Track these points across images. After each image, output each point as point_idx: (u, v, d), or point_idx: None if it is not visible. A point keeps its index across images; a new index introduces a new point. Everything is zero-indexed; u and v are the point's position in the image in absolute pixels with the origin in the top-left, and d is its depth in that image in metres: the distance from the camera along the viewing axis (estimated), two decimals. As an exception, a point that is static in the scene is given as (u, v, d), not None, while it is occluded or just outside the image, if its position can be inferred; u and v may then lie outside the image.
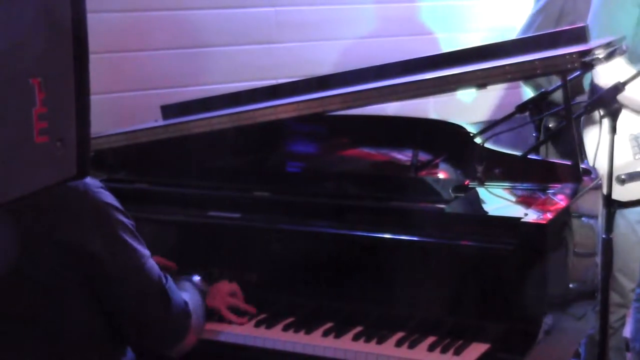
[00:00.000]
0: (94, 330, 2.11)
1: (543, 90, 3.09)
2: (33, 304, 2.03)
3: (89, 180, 2.06)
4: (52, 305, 2.04)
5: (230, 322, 2.55)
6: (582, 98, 3.51)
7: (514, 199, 2.80)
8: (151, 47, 3.98)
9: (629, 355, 4.00)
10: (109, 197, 2.10)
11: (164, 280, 2.17)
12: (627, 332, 4.19)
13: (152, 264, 2.16)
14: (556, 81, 3.26)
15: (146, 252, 2.15)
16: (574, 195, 2.67)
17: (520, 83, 4.71)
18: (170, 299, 2.17)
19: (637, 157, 3.39)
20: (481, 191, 2.77)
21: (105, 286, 2.08)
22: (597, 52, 2.78)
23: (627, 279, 3.40)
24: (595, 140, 3.28)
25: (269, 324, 2.56)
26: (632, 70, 3.21)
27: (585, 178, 2.82)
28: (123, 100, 3.87)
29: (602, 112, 2.86)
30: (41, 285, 2.02)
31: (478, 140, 2.95)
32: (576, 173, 2.78)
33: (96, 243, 2.03)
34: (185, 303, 2.24)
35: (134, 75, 3.93)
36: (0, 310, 2.03)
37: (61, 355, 2.07)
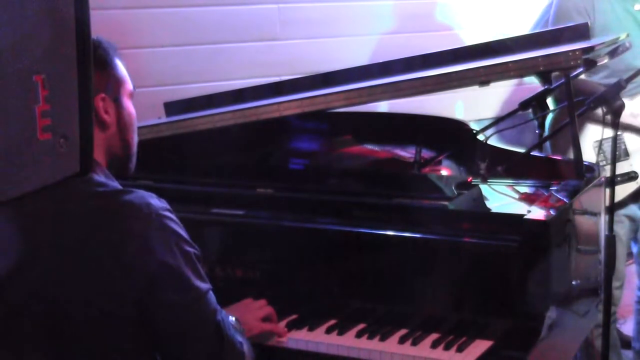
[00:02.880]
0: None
1: (546, 87, 3.09)
2: (82, 327, 1.96)
3: (155, 201, 2.00)
4: (100, 329, 1.97)
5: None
6: None
7: (517, 195, 2.80)
8: (154, 44, 3.98)
9: (629, 353, 4.01)
10: (174, 223, 2.01)
11: (220, 317, 2.06)
12: (626, 330, 4.21)
13: (209, 299, 2.05)
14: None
15: (205, 285, 2.04)
16: (576, 192, 2.67)
17: (524, 80, 4.71)
18: (226, 337, 2.07)
19: (602, 164, 3.42)
20: (484, 188, 2.78)
21: (158, 317, 1.98)
22: (599, 49, 2.79)
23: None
24: (597, 137, 3.30)
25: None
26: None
27: (588, 175, 2.82)
28: (126, 97, 3.87)
29: (604, 109, 2.86)
30: (92, 307, 1.95)
31: (481, 137, 2.96)
32: (579, 170, 2.78)
33: (154, 269, 1.94)
34: (241, 343, 2.14)
35: (137, 72, 3.90)
36: (35, 321, 1.98)
37: None
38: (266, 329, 2.47)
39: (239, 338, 2.15)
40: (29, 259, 1.94)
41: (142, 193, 2.01)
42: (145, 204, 1.98)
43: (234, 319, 2.34)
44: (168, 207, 2.04)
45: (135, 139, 2.16)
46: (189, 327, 2.02)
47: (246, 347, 2.17)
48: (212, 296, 2.06)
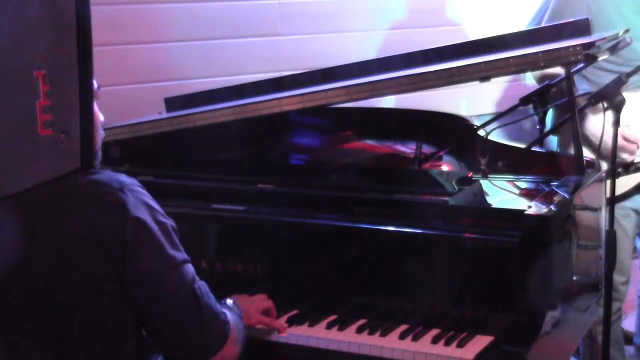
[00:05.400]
0: (120, 334, 2.06)
1: (547, 82, 3.09)
2: (66, 306, 2.00)
3: (125, 178, 2.03)
4: (83, 307, 2.01)
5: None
6: None
7: (517, 191, 2.81)
8: (155, 39, 3.98)
9: (630, 348, 4.01)
10: (146, 197, 2.05)
11: (197, 286, 2.09)
12: (627, 325, 4.20)
13: (186, 269, 2.08)
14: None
15: (180, 255, 2.07)
16: (577, 187, 2.67)
17: (525, 75, 4.71)
18: (204, 306, 2.09)
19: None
20: (485, 184, 2.78)
21: (136, 287, 2.02)
22: (600, 44, 2.78)
23: (617, 273, 3.41)
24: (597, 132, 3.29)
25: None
26: None
27: (589, 170, 2.82)
28: (127, 93, 3.88)
29: (605, 105, 2.86)
30: (74, 286, 1.99)
31: (482, 132, 2.96)
32: (579, 165, 2.78)
33: (129, 238, 1.97)
34: (224, 314, 2.17)
35: (138, 67, 3.94)
36: (32, 310, 2.01)
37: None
38: (264, 322, 2.49)
39: (222, 308, 2.18)
40: (25, 251, 1.96)
41: (110, 172, 2.04)
42: (116, 180, 2.01)
43: (231, 301, 2.37)
44: (138, 183, 2.07)
45: (97, 137, 2.16)
46: (164, 296, 2.06)
47: (231, 318, 2.20)
48: (189, 267, 2.09)
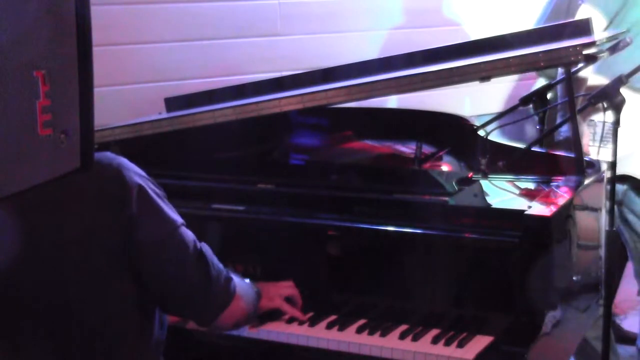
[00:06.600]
0: (127, 305, 2.10)
1: (547, 82, 3.09)
2: (68, 300, 2.02)
3: (111, 154, 2.09)
4: (85, 301, 2.03)
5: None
6: None
7: (517, 191, 2.80)
8: (155, 39, 3.97)
9: (631, 349, 4.01)
10: (136, 167, 2.12)
11: (199, 246, 2.15)
12: (627, 325, 4.21)
13: (187, 231, 2.15)
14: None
15: (179, 218, 2.14)
16: (577, 187, 2.67)
17: (524, 75, 4.71)
18: (211, 264, 2.15)
19: (590, 144, 3.39)
20: (485, 184, 2.78)
21: (144, 256, 2.07)
22: (600, 44, 2.78)
23: None
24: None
25: (273, 316, 2.57)
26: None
27: (589, 170, 2.82)
28: (127, 93, 3.87)
29: (605, 105, 2.86)
30: (85, 268, 2.02)
31: (482, 132, 2.96)
32: (580, 165, 2.78)
33: (134, 211, 2.02)
34: (226, 270, 2.22)
35: (138, 67, 3.93)
36: (32, 305, 2.02)
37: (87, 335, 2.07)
38: (285, 309, 2.53)
39: (228, 273, 2.22)
40: (25, 249, 1.97)
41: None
42: (105, 156, 2.07)
43: (247, 280, 2.41)
44: (123, 158, 2.12)
45: None
46: (172, 260, 2.11)
47: (236, 283, 2.24)
48: (188, 230, 2.16)
